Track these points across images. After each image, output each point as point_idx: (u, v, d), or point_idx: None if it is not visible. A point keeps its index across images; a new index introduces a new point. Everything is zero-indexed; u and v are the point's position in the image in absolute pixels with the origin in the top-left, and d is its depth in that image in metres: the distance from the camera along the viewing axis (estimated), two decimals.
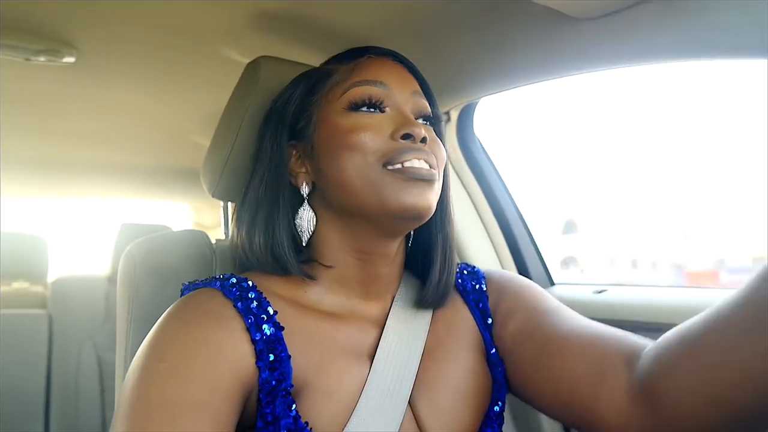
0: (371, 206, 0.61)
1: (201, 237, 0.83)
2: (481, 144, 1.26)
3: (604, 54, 0.82)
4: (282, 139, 0.67)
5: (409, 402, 0.62)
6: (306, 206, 0.66)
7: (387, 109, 0.64)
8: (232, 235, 0.70)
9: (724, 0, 0.64)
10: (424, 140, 0.62)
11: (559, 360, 0.61)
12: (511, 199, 1.27)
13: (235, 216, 0.70)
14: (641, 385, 0.53)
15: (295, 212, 0.66)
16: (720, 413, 0.47)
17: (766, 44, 0.66)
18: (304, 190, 0.66)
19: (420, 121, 0.66)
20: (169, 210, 2.78)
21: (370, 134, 0.61)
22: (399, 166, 0.60)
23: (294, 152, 0.68)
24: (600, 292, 1.12)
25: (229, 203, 1.00)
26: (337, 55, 0.72)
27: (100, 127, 1.64)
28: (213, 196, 0.85)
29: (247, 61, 0.82)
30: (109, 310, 2.17)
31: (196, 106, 1.45)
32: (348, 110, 0.63)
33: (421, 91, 0.68)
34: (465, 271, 0.76)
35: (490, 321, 0.71)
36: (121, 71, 1.21)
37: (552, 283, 1.28)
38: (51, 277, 2.26)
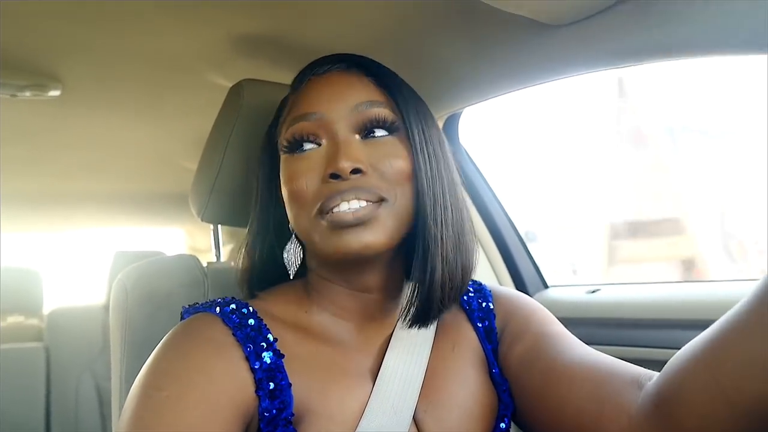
0: (318, 251, 0.61)
1: (192, 261, 0.83)
2: (467, 153, 1.27)
3: (581, 59, 0.83)
4: (269, 170, 0.68)
5: (415, 421, 0.61)
6: (292, 239, 0.66)
7: (323, 140, 0.61)
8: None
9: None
10: (356, 171, 0.58)
11: (565, 384, 0.60)
12: (501, 206, 1.28)
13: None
14: (651, 399, 0.53)
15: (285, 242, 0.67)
16: (731, 410, 0.46)
17: (737, 40, 0.68)
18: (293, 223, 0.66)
19: (359, 139, 0.61)
20: (163, 236, 2.78)
21: (305, 181, 0.60)
22: (328, 214, 0.58)
23: None
24: (593, 291, 1.13)
25: (219, 226, 1.00)
26: (301, 71, 0.68)
27: (90, 158, 1.65)
28: (202, 220, 0.86)
29: (231, 84, 0.83)
30: (107, 340, 2.16)
31: (184, 131, 1.46)
32: (287, 153, 0.62)
33: (373, 98, 0.62)
34: (471, 290, 0.74)
35: (495, 339, 0.70)
36: (107, 101, 1.22)
37: (546, 286, 1.29)
38: (46, 310, 2.25)
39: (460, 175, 0.68)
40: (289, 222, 0.65)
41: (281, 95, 0.76)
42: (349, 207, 0.57)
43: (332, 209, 0.58)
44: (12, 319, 2.21)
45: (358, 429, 0.57)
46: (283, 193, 0.63)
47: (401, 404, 0.60)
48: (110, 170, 1.79)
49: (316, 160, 0.60)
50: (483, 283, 0.76)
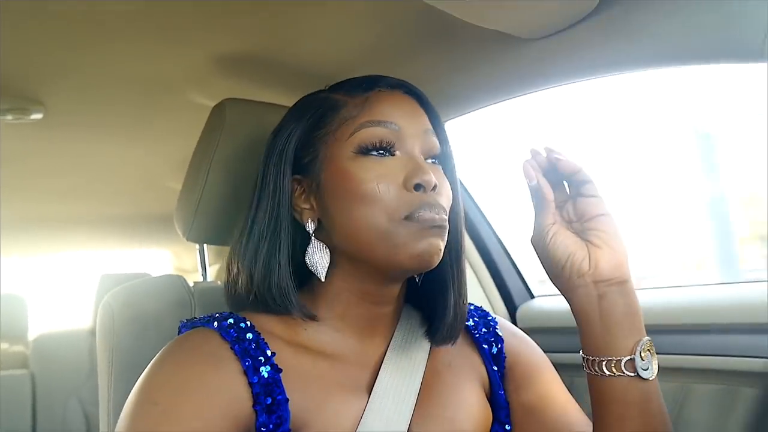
0: (380, 255, 0.60)
1: (178, 281, 0.83)
2: None
3: (557, 71, 0.85)
4: (285, 173, 0.64)
5: None
6: (315, 242, 0.64)
7: (397, 152, 0.62)
8: (227, 271, 0.67)
9: (664, 10, 0.68)
10: (434, 188, 0.61)
11: None
12: (485, 218, 1.29)
13: (230, 252, 0.67)
14: None
15: (295, 248, 0.64)
16: None
17: (703, 51, 0.70)
18: (310, 227, 0.64)
19: (429, 161, 0.64)
20: (150, 257, 2.76)
21: (383, 185, 0.59)
22: (417, 218, 0.59)
23: (298, 187, 0.65)
24: None
25: (205, 245, 1.00)
26: (344, 82, 0.68)
27: (75, 181, 1.64)
28: (187, 240, 0.86)
29: (213, 104, 0.84)
30: (94, 364, 2.12)
31: (169, 152, 1.46)
32: (357, 154, 0.61)
33: (431, 128, 0.66)
34: (476, 315, 0.76)
35: (503, 366, 0.72)
36: (89, 123, 1.22)
37: (532, 296, 1.30)
38: (31, 335, 2.22)
39: None
40: (306, 227, 0.64)
41: (263, 114, 0.76)
42: (433, 214, 0.60)
43: (419, 218, 0.59)
44: None
45: None
46: (346, 193, 0.61)
47: (395, 419, 0.60)
48: (95, 193, 1.78)
49: (392, 168, 0.61)
50: (488, 312, 0.78)
